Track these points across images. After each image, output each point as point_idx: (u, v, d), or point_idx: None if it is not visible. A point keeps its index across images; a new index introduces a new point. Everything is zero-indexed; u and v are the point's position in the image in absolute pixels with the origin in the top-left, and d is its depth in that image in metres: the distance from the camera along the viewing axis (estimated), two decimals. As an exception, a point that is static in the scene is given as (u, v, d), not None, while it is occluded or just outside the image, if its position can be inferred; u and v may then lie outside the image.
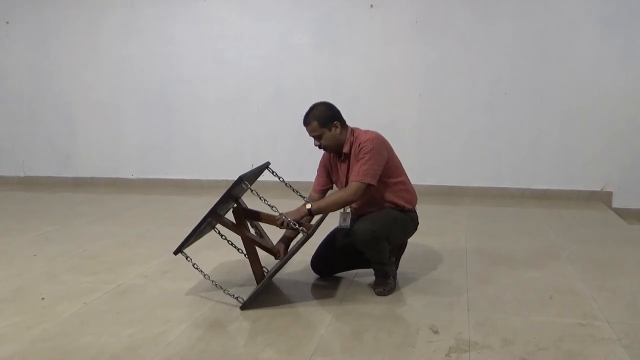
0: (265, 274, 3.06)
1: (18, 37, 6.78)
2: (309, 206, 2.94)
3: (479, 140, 5.84)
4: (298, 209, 2.97)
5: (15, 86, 6.90)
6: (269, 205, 2.95)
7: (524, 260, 3.69)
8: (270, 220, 3.01)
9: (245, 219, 3.08)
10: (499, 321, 2.72)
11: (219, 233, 3.08)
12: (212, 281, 3.00)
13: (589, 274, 3.38)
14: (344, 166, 3.13)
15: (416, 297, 3.06)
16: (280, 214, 2.91)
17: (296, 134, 6.20)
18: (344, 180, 3.13)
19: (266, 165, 3.18)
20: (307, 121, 3.07)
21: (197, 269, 2.97)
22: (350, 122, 3.33)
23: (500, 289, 3.16)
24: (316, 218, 3.08)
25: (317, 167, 3.30)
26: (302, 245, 3.04)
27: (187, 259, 2.95)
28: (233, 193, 2.92)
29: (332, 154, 3.19)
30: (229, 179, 6.33)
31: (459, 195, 5.79)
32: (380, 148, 3.02)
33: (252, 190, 2.93)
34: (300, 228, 2.89)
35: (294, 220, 2.88)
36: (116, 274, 3.50)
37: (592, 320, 2.70)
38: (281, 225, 2.95)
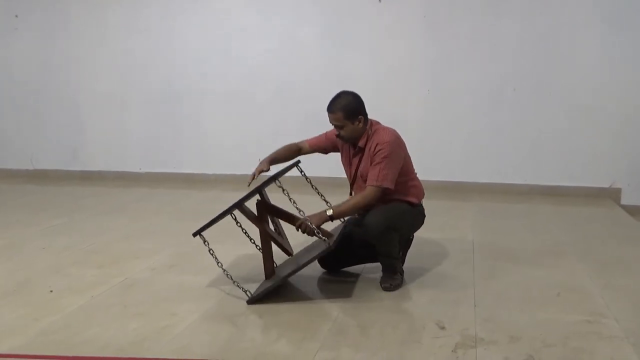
0: (275, 270, 3.06)
1: (26, 30, 6.79)
2: (329, 212, 2.92)
3: (486, 136, 5.80)
4: (319, 215, 2.94)
5: (24, 80, 6.91)
6: (296, 207, 2.92)
7: (531, 257, 3.67)
8: (291, 220, 3.00)
9: (267, 213, 3.07)
10: (505, 318, 2.71)
11: (236, 220, 2.99)
12: (224, 270, 2.98)
13: (596, 271, 3.37)
14: (355, 159, 3.13)
15: (422, 292, 3.06)
16: (304, 217, 2.88)
17: (301, 129, 6.18)
18: (354, 172, 3.14)
19: (296, 163, 3.15)
20: (332, 109, 3.03)
21: (212, 254, 2.94)
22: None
23: (506, 285, 3.15)
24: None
25: (328, 132, 3.27)
26: (321, 255, 2.99)
27: (204, 242, 2.93)
28: (261, 188, 2.93)
29: None
30: (235, 173, 6.41)
31: (466, 191, 5.77)
32: (398, 151, 3.02)
33: (283, 190, 2.89)
34: (323, 238, 2.86)
35: (316, 227, 2.85)
36: (123, 267, 3.51)
37: (599, 318, 2.69)
38: (299, 228, 2.95)
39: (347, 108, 3.01)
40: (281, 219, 3.10)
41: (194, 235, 2.95)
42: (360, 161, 3.10)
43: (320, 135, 3.32)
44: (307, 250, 3.21)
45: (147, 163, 6.73)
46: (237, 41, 6.27)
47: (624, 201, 5.49)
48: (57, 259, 3.70)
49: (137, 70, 6.58)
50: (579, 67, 5.49)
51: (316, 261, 3.30)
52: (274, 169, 3.15)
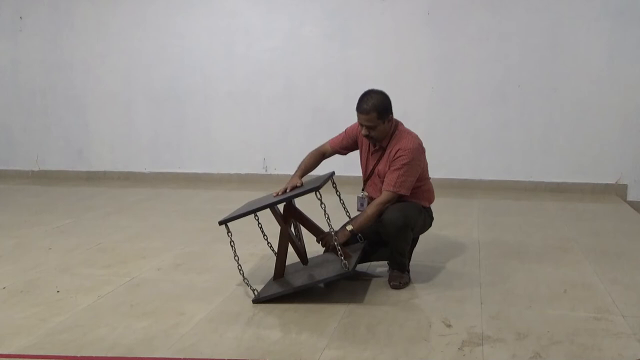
0: (285, 271, 3.07)
1: (31, 31, 6.82)
2: (350, 227, 2.91)
3: (491, 133, 5.79)
4: (341, 232, 2.91)
5: (29, 80, 6.95)
6: (328, 223, 2.84)
7: (538, 253, 3.67)
8: (314, 230, 3.02)
9: (293, 218, 3.06)
10: (512, 315, 2.70)
11: (258, 219, 3.01)
12: (239, 265, 2.93)
13: (603, 267, 3.36)
14: (374, 157, 3.11)
15: (429, 290, 3.05)
16: (328, 233, 2.86)
17: (307, 127, 6.23)
18: (370, 170, 3.13)
19: (331, 176, 3.10)
20: (365, 109, 2.93)
21: (232, 247, 2.91)
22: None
23: (513, 282, 3.14)
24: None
25: (347, 128, 3.22)
26: (338, 278, 2.91)
27: (227, 233, 2.90)
28: (297, 195, 2.93)
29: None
30: (240, 172, 6.43)
31: (472, 189, 5.76)
32: (418, 160, 3.01)
33: (321, 204, 2.81)
34: (343, 262, 2.82)
35: (339, 246, 2.81)
36: (130, 266, 3.53)
37: (606, 314, 2.68)
38: (321, 241, 2.97)
39: (380, 107, 2.94)
40: (305, 227, 3.09)
41: (220, 224, 2.91)
42: (379, 160, 3.08)
43: (339, 135, 3.26)
44: (322, 261, 3.17)
45: (152, 163, 6.75)
46: (242, 41, 6.28)
47: (630, 197, 5.48)
48: (64, 259, 3.71)
49: (142, 71, 6.60)
50: (585, 63, 5.47)
51: (312, 247, 3.27)
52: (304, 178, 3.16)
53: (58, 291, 3.11)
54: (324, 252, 3.22)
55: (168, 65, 6.52)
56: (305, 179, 3.12)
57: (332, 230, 2.84)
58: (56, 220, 4.75)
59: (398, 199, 2.99)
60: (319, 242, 3.03)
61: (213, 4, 6.31)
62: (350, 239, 3.03)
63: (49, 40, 6.80)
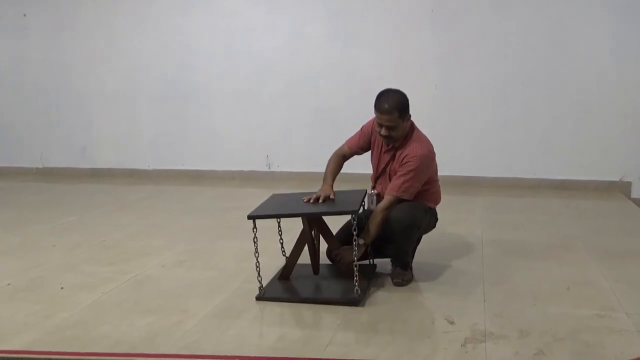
0: (294, 270, 3.10)
1: (35, 29, 6.82)
2: (362, 241, 2.90)
3: (494, 131, 5.77)
4: (358, 248, 2.86)
5: (33, 78, 6.95)
6: (355, 242, 2.82)
7: (541, 251, 3.66)
8: (332, 244, 3.04)
9: (316, 225, 3.05)
10: (515, 312, 2.70)
11: (279, 226, 3.11)
12: (257, 262, 2.88)
13: (606, 265, 3.35)
14: (386, 156, 3.09)
15: (432, 287, 3.05)
16: (348, 247, 2.87)
17: (310, 125, 6.23)
18: (380, 169, 3.13)
19: (364, 195, 3.10)
20: (386, 109, 2.87)
21: (255, 243, 2.87)
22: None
23: (516, 280, 3.14)
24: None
25: (363, 126, 3.21)
26: (345, 304, 2.82)
27: (253, 229, 2.86)
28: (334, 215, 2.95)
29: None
30: (243, 169, 6.43)
31: (475, 186, 5.74)
32: (426, 166, 2.99)
33: (353, 229, 2.80)
34: (356, 289, 2.80)
35: (355, 262, 2.79)
36: (133, 264, 3.53)
37: (610, 312, 2.68)
38: (336, 257, 3.01)
39: (400, 106, 2.90)
40: (324, 238, 3.09)
41: (249, 218, 2.85)
42: (391, 159, 3.07)
43: (355, 135, 3.24)
44: (332, 275, 3.16)
45: (155, 160, 6.76)
46: (245, 39, 6.27)
47: (634, 194, 5.45)
48: (68, 256, 3.73)
49: (146, 69, 6.60)
50: (588, 60, 5.44)
51: (325, 256, 3.29)
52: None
53: (62, 288, 3.12)
54: (327, 253, 3.21)
55: (171, 63, 6.51)
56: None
57: (355, 246, 2.81)
58: (60, 218, 4.76)
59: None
60: (334, 257, 3.05)
61: (216, 3, 6.30)
62: (363, 254, 3.02)
63: (53, 38, 6.79)
